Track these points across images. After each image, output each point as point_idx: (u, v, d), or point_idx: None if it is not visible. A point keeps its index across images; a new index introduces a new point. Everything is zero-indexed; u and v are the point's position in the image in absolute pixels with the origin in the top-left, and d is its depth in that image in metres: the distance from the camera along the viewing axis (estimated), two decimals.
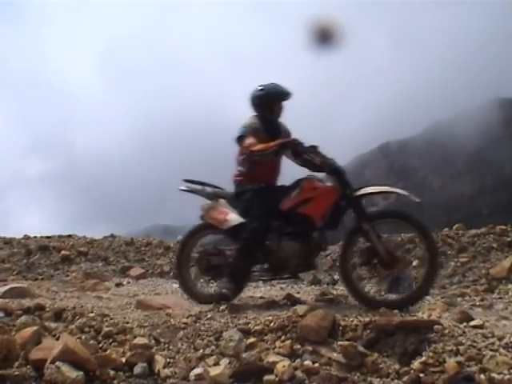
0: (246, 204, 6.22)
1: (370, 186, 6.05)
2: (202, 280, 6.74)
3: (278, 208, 6.10)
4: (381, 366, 4.34)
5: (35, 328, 4.86)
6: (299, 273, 6.50)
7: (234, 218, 6.24)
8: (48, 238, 12.34)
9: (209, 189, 6.59)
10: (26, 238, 12.28)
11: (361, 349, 4.48)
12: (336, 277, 9.19)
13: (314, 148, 6.04)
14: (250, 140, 6.16)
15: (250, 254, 6.09)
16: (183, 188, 6.63)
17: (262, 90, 6.38)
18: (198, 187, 6.60)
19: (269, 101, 6.36)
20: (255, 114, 6.45)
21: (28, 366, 4.39)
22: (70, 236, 12.60)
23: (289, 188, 6.22)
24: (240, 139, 6.28)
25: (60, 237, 12.46)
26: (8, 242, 11.81)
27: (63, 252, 10.82)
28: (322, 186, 6.05)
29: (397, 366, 4.31)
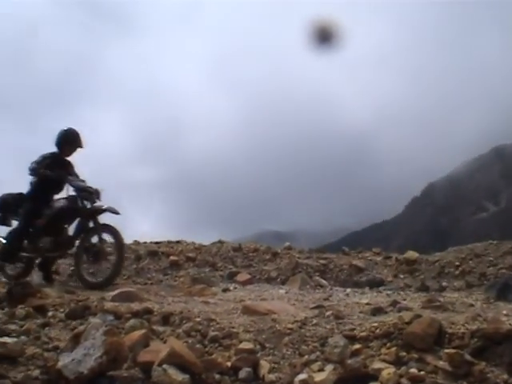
0: None
1: None
2: None
3: None
4: (488, 375, 4.19)
5: (143, 331, 4.97)
6: None
7: None
8: (157, 243, 12.55)
9: None
10: (136, 243, 12.52)
11: (467, 357, 4.34)
12: (444, 283, 8.95)
13: None
14: None
15: None
16: None
17: None
18: None
19: None
20: None
21: (136, 368, 4.49)
22: (178, 242, 12.78)
23: None
24: None
25: (169, 242, 12.66)
26: None
27: (172, 257, 10.99)
28: None
29: (505, 376, 4.16)
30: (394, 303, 6.27)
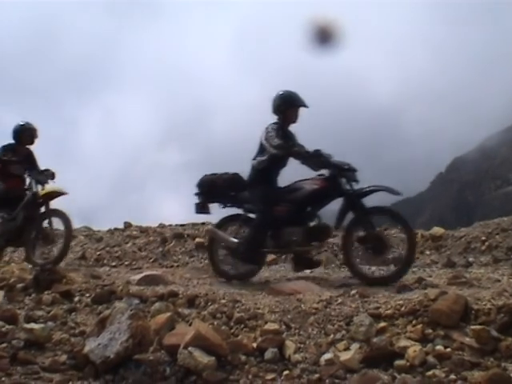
0: None
1: None
2: None
3: None
4: None
5: (169, 314, 5.01)
6: None
7: None
8: (182, 226, 12.48)
9: None
10: (162, 226, 12.50)
11: (494, 333, 4.33)
12: (471, 259, 8.87)
13: None
14: None
15: None
16: None
17: None
18: None
19: None
20: None
21: (162, 351, 4.53)
22: (203, 224, 12.73)
23: None
24: None
25: (194, 225, 12.59)
26: (144, 230, 12.10)
27: (197, 239, 10.93)
28: None
29: None
30: (420, 280, 6.22)
